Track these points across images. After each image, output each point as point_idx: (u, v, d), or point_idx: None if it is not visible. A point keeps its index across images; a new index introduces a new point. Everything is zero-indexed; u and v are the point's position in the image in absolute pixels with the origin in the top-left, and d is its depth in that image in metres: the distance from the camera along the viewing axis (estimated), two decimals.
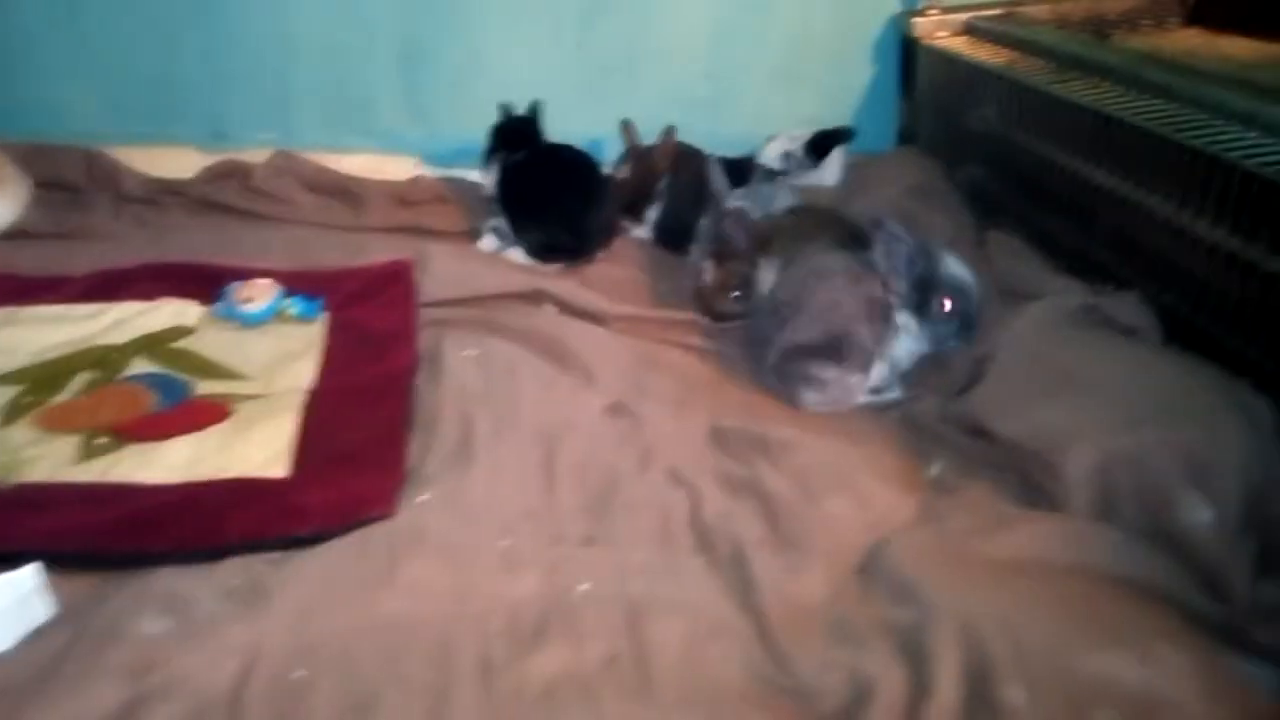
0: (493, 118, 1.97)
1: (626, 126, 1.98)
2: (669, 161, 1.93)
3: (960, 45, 1.98)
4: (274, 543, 1.09)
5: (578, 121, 2.05)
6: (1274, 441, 1.10)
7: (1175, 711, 0.88)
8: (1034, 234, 1.65)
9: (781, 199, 1.85)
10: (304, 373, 1.43)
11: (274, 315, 1.57)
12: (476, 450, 1.25)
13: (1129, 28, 2.05)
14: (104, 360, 1.45)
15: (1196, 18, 2.05)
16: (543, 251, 1.82)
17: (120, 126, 2.16)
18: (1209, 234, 1.25)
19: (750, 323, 1.56)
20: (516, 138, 1.93)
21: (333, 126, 2.20)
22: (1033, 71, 1.70)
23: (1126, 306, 1.35)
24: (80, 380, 1.40)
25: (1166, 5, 2.08)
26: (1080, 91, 1.55)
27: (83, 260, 1.74)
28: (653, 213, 1.94)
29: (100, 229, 1.92)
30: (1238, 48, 1.86)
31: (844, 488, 1.22)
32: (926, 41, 2.06)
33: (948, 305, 1.39)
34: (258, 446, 1.25)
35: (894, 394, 1.44)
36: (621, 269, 1.82)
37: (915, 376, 1.45)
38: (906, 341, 1.42)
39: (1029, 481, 1.19)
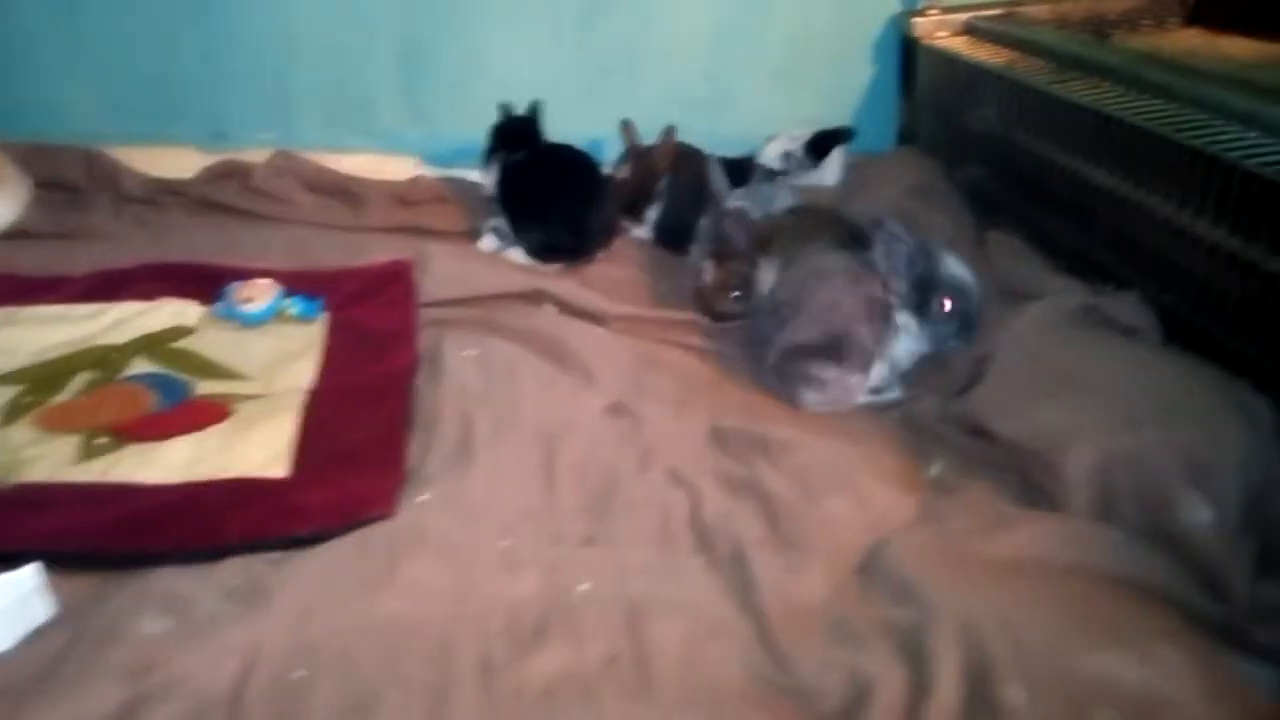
0: (493, 118, 1.97)
1: (626, 126, 1.98)
2: (669, 161, 1.93)
3: (960, 45, 1.98)
4: (274, 543, 1.09)
5: (578, 121, 2.05)
6: (1274, 441, 1.10)
7: (1175, 711, 0.88)
8: (1034, 234, 1.65)
9: (781, 199, 1.85)
10: (304, 373, 1.43)
11: (274, 315, 1.57)
12: (476, 450, 1.25)
13: (1129, 28, 2.05)
14: (104, 360, 1.45)
15: (1196, 18, 2.05)
16: (543, 251, 1.82)
17: (120, 126, 2.17)
18: (1209, 234, 1.25)
19: (750, 323, 1.56)
20: (516, 138, 1.93)
21: (333, 126, 2.20)
22: (1033, 71, 1.70)
23: (1126, 306, 1.35)
24: (80, 380, 1.40)
25: (1166, 5, 2.08)
26: (1080, 91, 1.55)
27: (83, 260, 1.74)
28: (653, 213, 1.94)
29: (100, 229, 1.92)
30: (1238, 48, 1.86)
31: (844, 488, 1.22)
32: (926, 41, 2.06)
33: (948, 305, 1.39)
34: (258, 446, 1.25)
35: (894, 394, 1.44)
36: (621, 269, 1.82)
37: (915, 376, 1.45)
38: (906, 341, 1.42)
39: (1029, 481, 1.19)
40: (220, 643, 0.94)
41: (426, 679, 0.93)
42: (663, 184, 1.92)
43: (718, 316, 1.62)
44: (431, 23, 2.14)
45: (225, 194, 2.04)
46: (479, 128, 1.97)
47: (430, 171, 2.19)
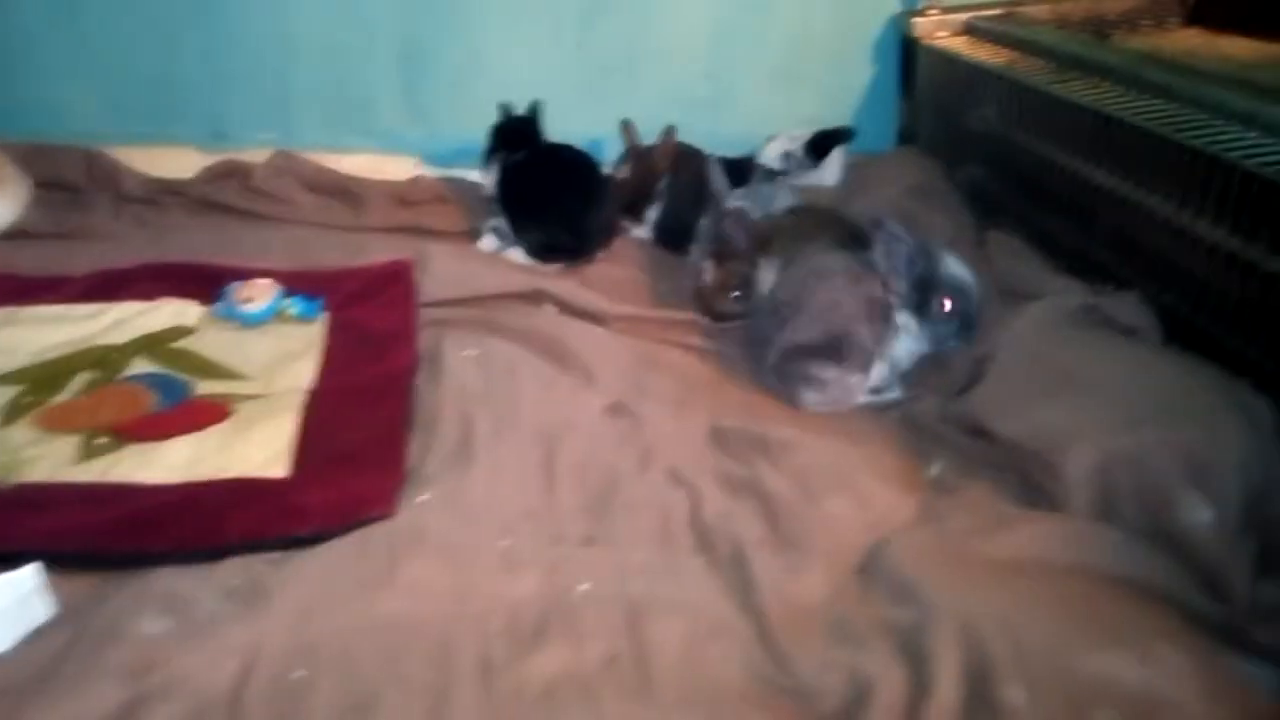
0: (493, 118, 1.97)
1: (626, 126, 1.98)
2: (669, 161, 1.93)
3: (960, 45, 1.98)
4: (274, 543, 1.09)
5: (578, 121, 2.05)
6: (1274, 441, 1.10)
7: (1175, 711, 0.88)
8: (1034, 234, 1.65)
9: (781, 199, 1.85)
10: (304, 373, 1.43)
11: (274, 315, 1.57)
12: (476, 450, 1.25)
13: (1129, 28, 2.05)
14: (104, 360, 1.45)
15: (1196, 18, 2.05)
16: (543, 251, 1.82)
17: (120, 126, 2.17)
18: (1209, 234, 1.25)
19: (750, 323, 1.56)
20: (516, 138, 1.93)
21: (333, 126, 2.20)
22: (1033, 71, 1.70)
23: (1126, 306, 1.35)
24: (80, 380, 1.40)
25: (1166, 5, 2.08)
26: (1080, 91, 1.55)
27: (83, 260, 1.74)
28: (653, 213, 1.94)
29: (100, 229, 1.92)
30: (1238, 48, 1.86)
31: (844, 488, 1.22)
32: (926, 41, 2.06)
33: (948, 305, 1.39)
34: (258, 446, 1.25)
35: (894, 394, 1.44)
36: (621, 269, 1.82)
37: (915, 376, 1.45)
38: (906, 341, 1.42)
39: (1029, 481, 1.19)
40: (220, 643, 0.94)
41: (426, 679, 0.93)
42: (663, 184, 1.92)
43: (718, 316, 1.62)
44: (431, 23, 2.14)
45: (225, 194, 2.04)
46: (479, 128, 1.97)
47: (430, 171, 2.19)
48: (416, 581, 1.04)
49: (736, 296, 1.60)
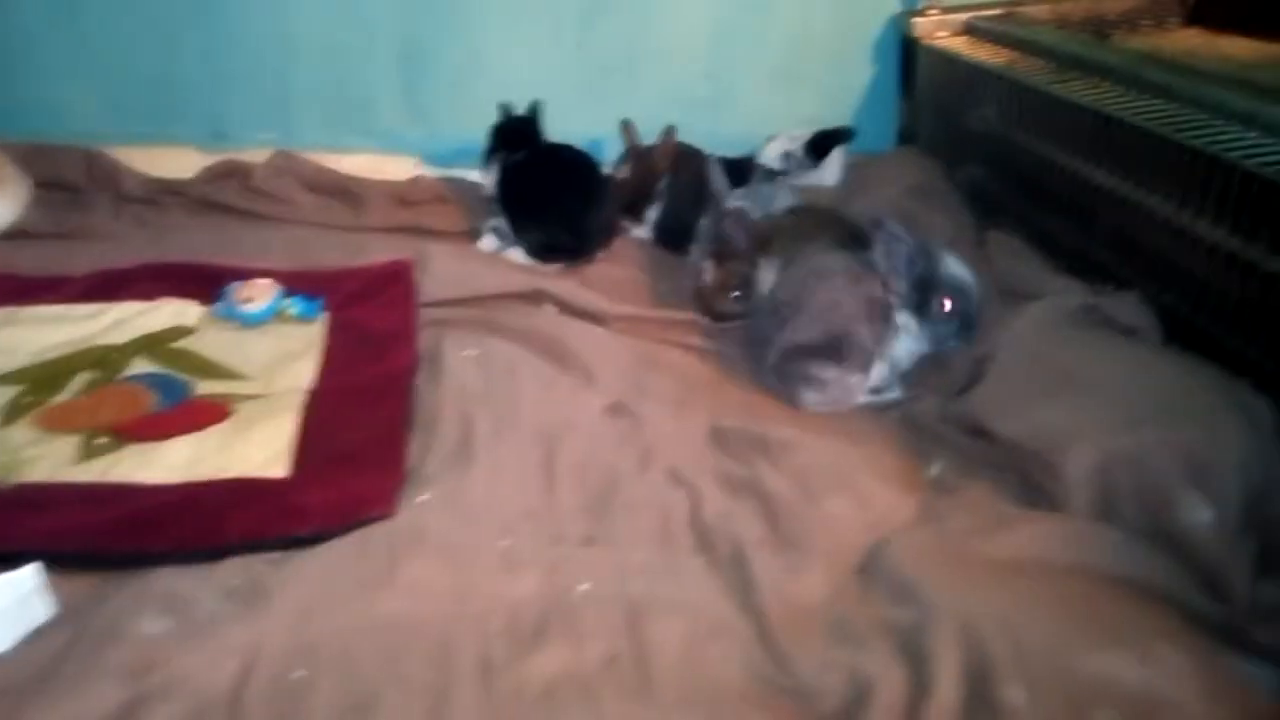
0: (493, 117, 1.97)
1: (626, 126, 1.98)
2: (669, 161, 1.93)
3: (960, 45, 1.98)
4: (274, 543, 1.09)
5: (578, 121, 2.05)
6: (1274, 441, 1.10)
7: (1175, 711, 0.88)
8: (1034, 234, 1.65)
9: (781, 199, 1.85)
10: (304, 373, 1.43)
11: (274, 315, 1.57)
12: (476, 450, 1.25)
13: (1129, 28, 2.05)
14: (104, 360, 1.45)
15: (1196, 18, 2.05)
16: (543, 251, 1.82)
17: (120, 126, 2.17)
18: (1209, 234, 1.25)
19: (750, 323, 1.56)
20: (516, 138, 1.93)
21: (333, 126, 2.20)
22: (1033, 72, 1.70)
23: (1126, 306, 1.35)
24: (80, 380, 1.40)
25: (1166, 5, 2.08)
26: (1080, 92, 1.55)
27: (83, 260, 1.74)
28: (653, 213, 1.94)
29: (100, 229, 1.93)
30: (1238, 48, 1.86)
31: (844, 488, 1.22)
32: (926, 41, 2.06)
33: (948, 305, 1.39)
34: (258, 446, 1.25)
35: (894, 394, 1.43)
36: (621, 269, 1.82)
37: (915, 376, 1.45)
38: (907, 341, 1.42)
39: (1029, 481, 1.19)
40: (220, 643, 0.94)
41: (426, 679, 0.93)
42: (663, 184, 1.92)
43: (718, 316, 1.63)
44: (431, 22, 2.14)
45: (225, 194, 2.04)
46: (479, 128, 1.97)
47: (430, 171, 2.19)
48: (416, 581, 1.04)
49: (736, 296, 1.60)
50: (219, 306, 1.58)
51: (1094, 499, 1.12)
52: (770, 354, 1.44)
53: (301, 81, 2.17)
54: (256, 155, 2.12)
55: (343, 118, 2.20)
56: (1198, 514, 1.05)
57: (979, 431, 1.27)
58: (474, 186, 2.04)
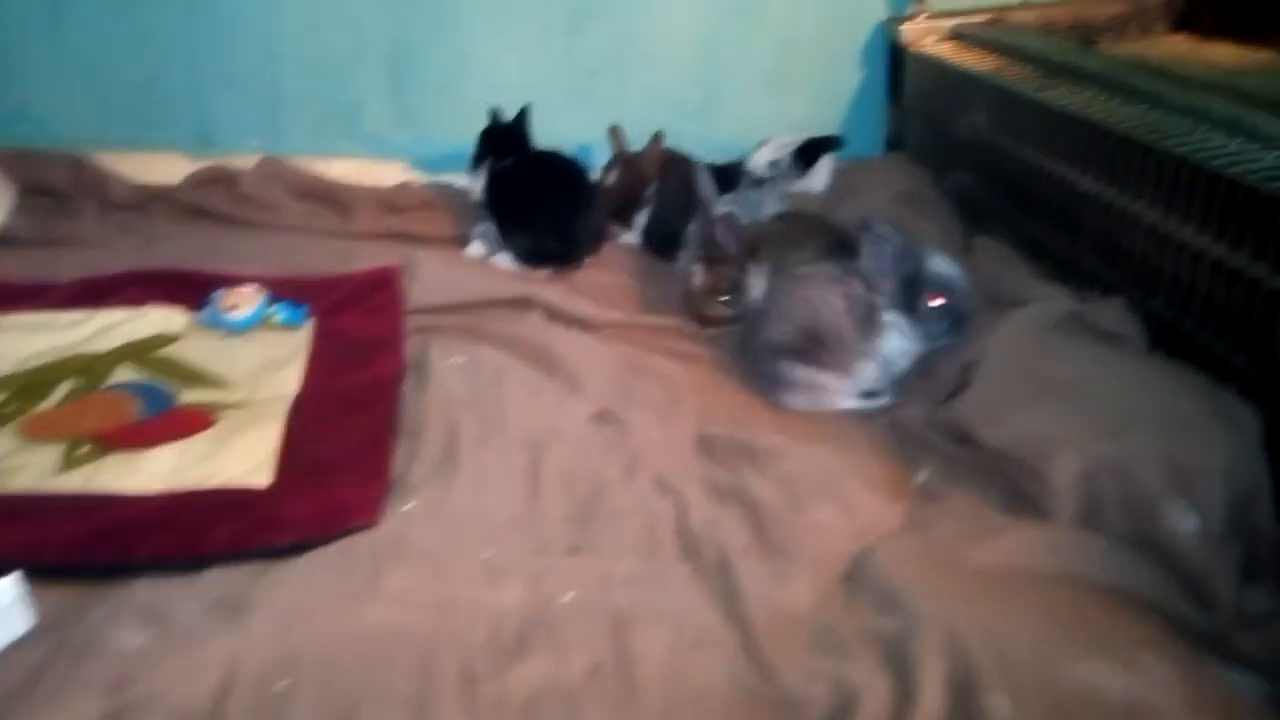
0: (481, 122, 1.97)
1: (615, 132, 1.98)
2: (657, 167, 1.93)
3: (947, 51, 1.98)
4: (256, 553, 1.08)
5: (566, 126, 2.05)
6: (1259, 448, 1.10)
7: None
8: (1021, 240, 1.66)
9: (769, 205, 1.86)
10: (289, 380, 1.43)
11: (259, 322, 1.56)
12: (462, 458, 1.25)
13: (1116, 33, 2.06)
14: (88, 368, 1.44)
15: (1183, 24, 2.06)
16: (531, 257, 1.82)
17: (106, 132, 2.16)
18: (1194, 240, 1.25)
19: (739, 329, 1.56)
20: (504, 143, 1.93)
21: (320, 132, 2.20)
22: (1019, 78, 1.71)
23: (1112, 313, 1.35)
24: (64, 388, 1.40)
25: (1153, 11, 2.09)
26: (1067, 98, 1.55)
27: (68, 267, 1.74)
28: (641, 218, 1.94)
29: (86, 235, 1.92)
30: (1224, 54, 1.87)
31: (830, 495, 1.22)
32: (914, 48, 2.06)
33: (937, 302, 1.40)
34: (241, 455, 1.25)
35: (884, 399, 1.43)
36: (610, 275, 1.82)
37: (904, 382, 1.45)
38: (898, 341, 1.42)
39: (1015, 488, 1.19)
40: (201, 655, 0.94)
41: (408, 690, 0.92)
42: (651, 190, 1.92)
43: (706, 321, 1.62)
44: (419, 27, 2.14)
45: (212, 200, 2.03)
46: (467, 132, 1.96)
47: (418, 177, 2.19)
48: (399, 592, 1.03)
49: (725, 301, 1.60)
50: (204, 314, 1.58)
51: (1079, 506, 1.12)
52: (753, 356, 1.45)
53: (289, 87, 2.17)
54: (244, 161, 2.11)
55: (330, 123, 2.20)
56: (1183, 521, 1.05)
57: (965, 438, 1.27)
58: (462, 192, 2.04)
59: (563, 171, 1.90)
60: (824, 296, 1.41)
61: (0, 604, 0.97)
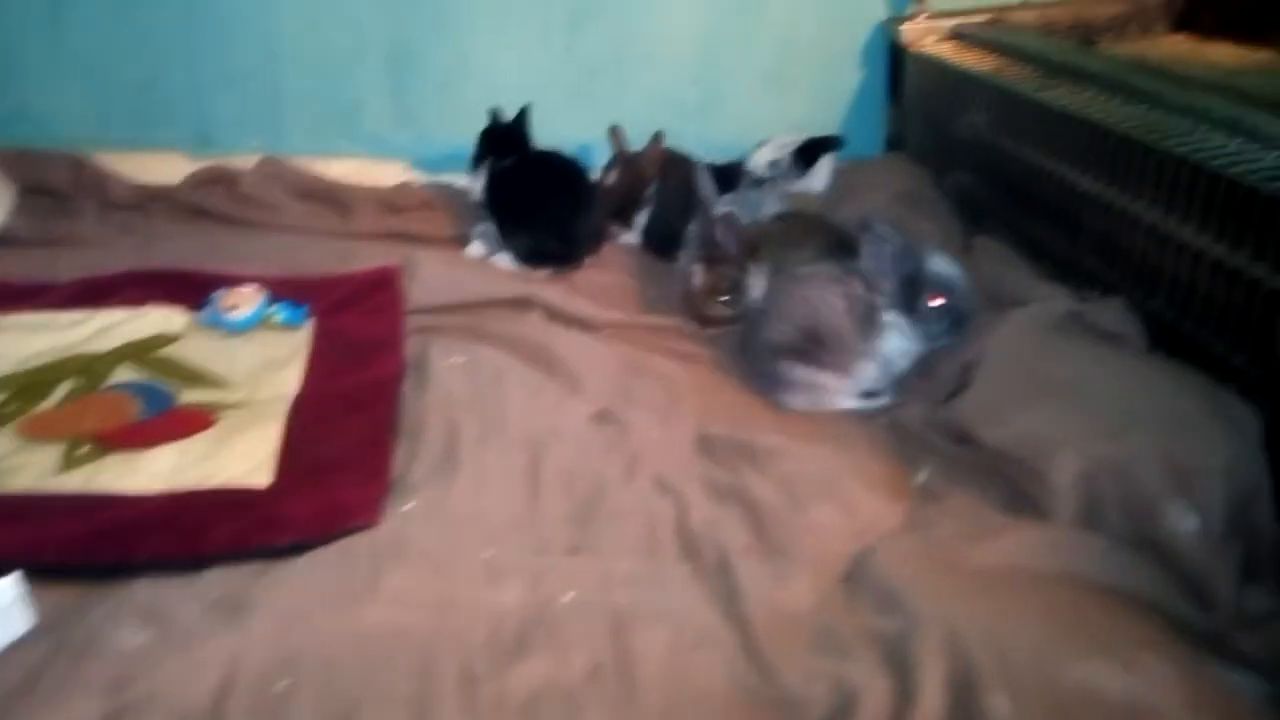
0: (481, 122, 1.97)
1: (615, 132, 1.98)
2: (657, 167, 1.92)
3: (947, 51, 1.98)
4: (256, 553, 1.08)
5: (566, 126, 2.05)
6: (1259, 448, 1.10)
7: None
8: (1021, 240, 1.66)
9: (769, 205, 1.86)
10: (289, 380, 1.43)
11: (259, 322, 1.56)
12: (462, 458, 1.25)
13: (1116, 33, 2.05)
14: (88, 368, 1.44)
15: (1183, 23, 2.06)
16: (531, 257, 1.82)
17: (106, 132, 2.16)
18: (1194, 240, 1.25)
19: (740, 328, 1.56)
20: (504, 143, 1.93)
21: (320, 132, 2.20)
22: (1019, 78, 1.71)
23: (1112, 313, 1.35)
24: (64, 388, 1.39)
25: (1153, 11, 2.09)
26: (1066, 98, 1.55)
27: (69, 267, 1.73)
28: (641, 218, 1.94)
29: (86, 235, 1.92)
30: (1224, 54, 1.87)
31: (830, 495, 1.22)
32: (914, 48, 2.06)
33: (937, 301, 1.40)
34: (241, 455, 1.25)
35: (885, 399, 1.43)
36: (610, 275, 1.82)
37: (904, 382, 1.45)
38: (899, 341, 1.42)
39: (1015, 488, 1.19)
40: (201, 655, 0.94)
41: (408, 690, 0.92)
42: (651, 190, 1.92)
43: (706, 321, 1.62)
44: (419, 27, 2.14)
45: (212, 200, 2.03)
46: (467, 132, 1.96)
47: (418, 177, 2.19)
48: (399, 592, 1.03)
49: (725, 301, 1.60)
50: (204, 314, 1.58)
51: (1079, 506, 1.12)
52: (753, 356, 1.45)
53: (289, 87, 2.17)
54: (244, 161, 2.11)
55: (330, 123, 2.20)
56: (1183, 521, 1.05)
57: (965, 438, 1.27)
58: (462, 192, 2.03)
59: (563, 171, 1.90)
60: (824, 296, 1.41)
61: (0, 604, 0.97)
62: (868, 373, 1.42)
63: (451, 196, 2.07)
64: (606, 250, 1.90)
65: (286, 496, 1.17)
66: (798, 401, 1.42)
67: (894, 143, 2.20)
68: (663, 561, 1.12)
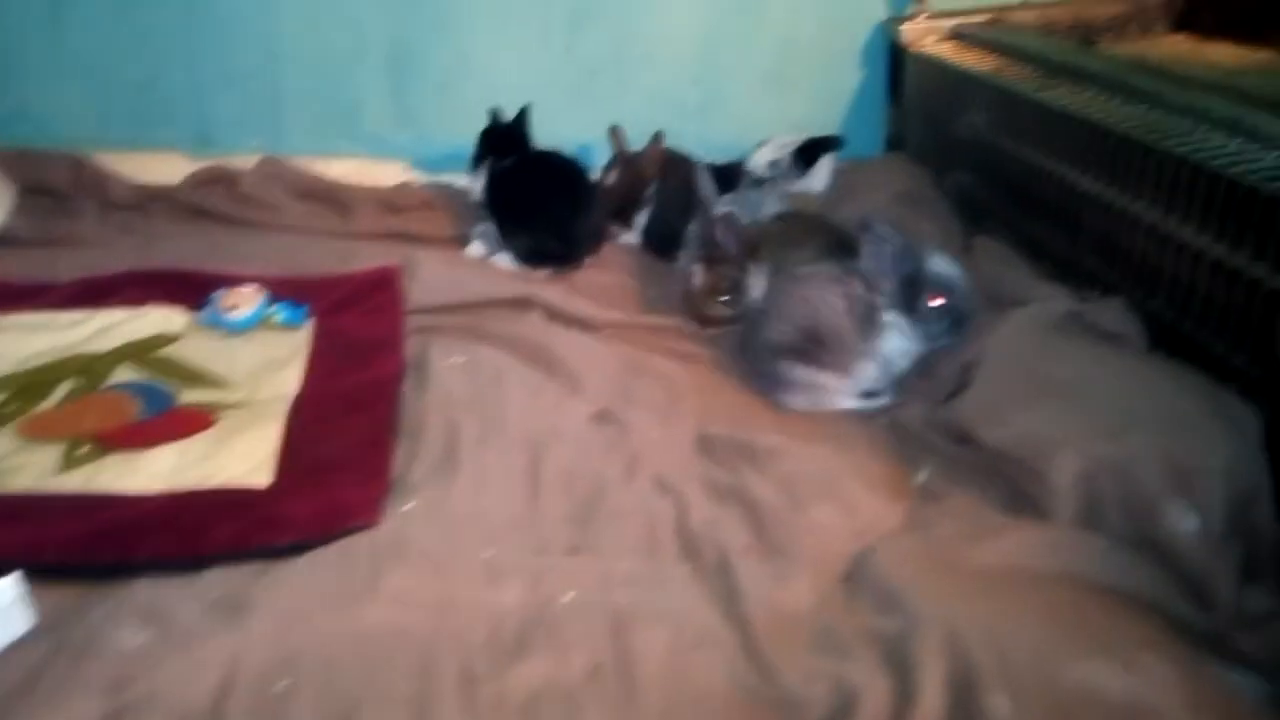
0: (481, 122, 1.97)
1: (615, 132, 1.98)
2: (657, 167, 1.92)
3: (947, 51, 1.98)
4: (256, 553, 1.08)
5: (566, 126, 2.05)
6: (1258, 448, 1.10)
7: None
8: (1021, 240, 1.66)
9: (769, 205, 1.86)
10: (289, 380, 1.43)
11: (259, 322, 1.56)
12: (461, 458, 1.25)
13: (1116, 33, 2.05)
14: (88, 368, 1.44)
15: (1183, 23, 2.06)
16: (531, 257, 1.82)
17: (106, 132, 2.16)
18: (1194, 240, 1.25)
19: (740, 328, 1.56)
20: (504, 143, 1.93)
21: (320, 131, 2.20)
22: (1019, 78, 1.71)
23: (1112, 313, 1.35)
24: (64, 388, 1.39)
25: (1153, 11, 2.09)
26: (1066, 98, 1.55)
27: (69, 267, 1.73)
28: (641, 218, 1.94)
29: (87, 235, 1.92)
30: (1224, 54, 1.87)
31: (831, 495, 1.22)
32: (914, 48, 2.06)
33: (937, 301, 1.40)
34: (241, 455, 1.25)
35: (885, 400, 1.43)
36: (610, 275, 1.82)
37: (904, 381, 1.45)
38: (899, 341, 1.42)
39: (1015, 489, 1.19)
40: (200, 655, 0.94)
41: (408, 690, 0.92)
42: (651, 190, 1.92)
43: (706, 321, 1.62)
44: (419, 27, 2.14)
45: (212, 200, 2.03)
46: (467, 132, 1.96)
47: (418, 177, 2.19)
48: (399, 592, 1.03)
49: (726, 300, 1.60)
50: (204, 314, 1.58)
51: (1079, 506, 1.12)
52: (753, 356, 1.45)
53: (289, 87, 2.17)
54: (244, 161, 2.11)
55: (330, 123, 2.20)
56: (1183, 521, 1.05)
57: (965, 438, 1.27)
58: (462, 192, 2.03)
59: (562, 171, 1.90)
60: (824, 296, 1.42)
61: (0, 604, 0.97)
62: (868, 373, 1.42)
63: (451, 196, 2.07)
64: (606, 250, 1.90)
65: (286, 496, 1.17)
66: (798, 401, 1.42)
67: (894, 143, 2.20)
68: (663, 561, 1.12)
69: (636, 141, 1.96)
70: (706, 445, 1.33)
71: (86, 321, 1.56)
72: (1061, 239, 1.56)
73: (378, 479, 1.21)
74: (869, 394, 1.43)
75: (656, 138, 1.93)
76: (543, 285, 1.72)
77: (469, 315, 1.62)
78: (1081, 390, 1.23)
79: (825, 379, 1.41)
